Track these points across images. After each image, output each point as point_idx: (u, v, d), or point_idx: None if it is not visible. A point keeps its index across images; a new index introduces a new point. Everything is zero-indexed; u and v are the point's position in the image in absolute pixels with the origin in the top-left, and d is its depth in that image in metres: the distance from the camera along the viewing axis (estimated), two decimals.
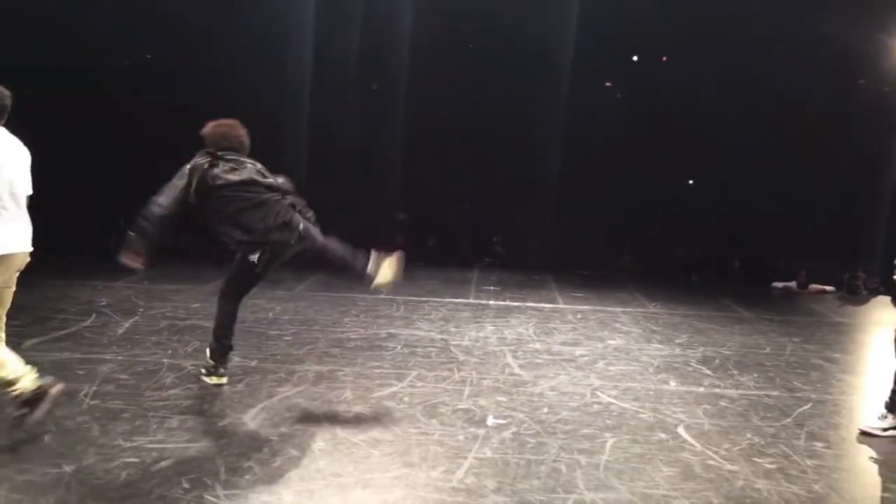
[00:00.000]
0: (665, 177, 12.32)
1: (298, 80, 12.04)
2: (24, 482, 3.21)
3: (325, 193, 12.75)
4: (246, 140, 4.78)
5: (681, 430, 4.29)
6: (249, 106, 11.27)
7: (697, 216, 12.30)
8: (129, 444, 3.69)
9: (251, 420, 4.12)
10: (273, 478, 3.39)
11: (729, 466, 3.78)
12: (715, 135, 11.93)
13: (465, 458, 3.71)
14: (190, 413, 4.20)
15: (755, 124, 11.70)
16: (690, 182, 13.34)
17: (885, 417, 4.43)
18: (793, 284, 11.29)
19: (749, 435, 4.28)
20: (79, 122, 11.08)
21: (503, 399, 4.74)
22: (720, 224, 12.13)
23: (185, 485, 3.26)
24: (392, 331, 6.67)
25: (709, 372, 5.68)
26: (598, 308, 8.40)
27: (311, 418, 4.20)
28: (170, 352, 5.51)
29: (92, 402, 4.30)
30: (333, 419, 4.20)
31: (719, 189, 12.29)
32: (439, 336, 6.53)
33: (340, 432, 3.99)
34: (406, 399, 4.64)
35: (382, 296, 8.57)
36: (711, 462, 3.83)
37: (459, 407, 4.53)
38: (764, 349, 6.67)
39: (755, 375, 5.66)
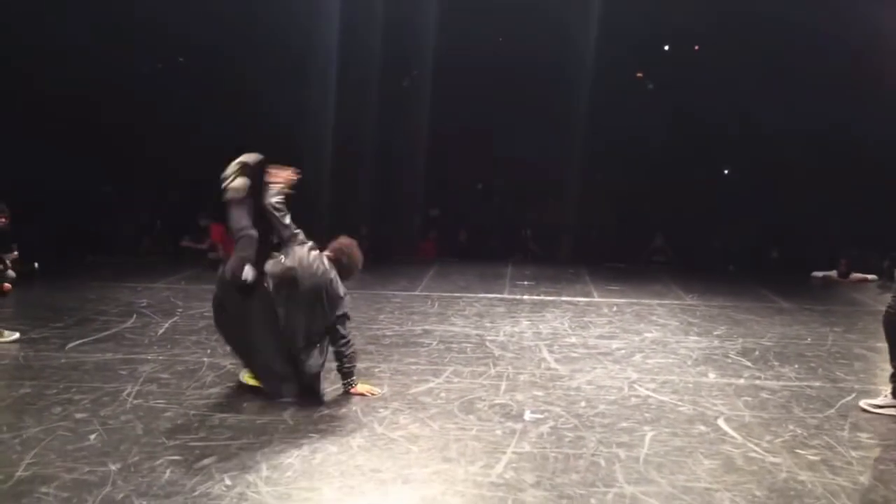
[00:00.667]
0: (701, 167, 12.19)
1: (322, 81, 12.10)
2: (71, 480, 3.29)
3: (353, 194, 12.89)
4: None
5: (721, 423, 4.23)
6: (274, 106, 11.49)
7: (734, 206, 12.15)
8: (172, 443, 3.75)
9: (290, 418, 4.16)
10: (313, 474, 3.43)
11: (771, 458, 3.72)
12: (751, 124, 11.77)
13: (504, 452, 3.71)
14: (231, 411, 4.25)
15: (792, 112, 11.50)
16: (726, 172, 13.18)
17: (887, 397, 4.50)
18: (833, 273, 11.06)
19: (791, 426, 4.21)
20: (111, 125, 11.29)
21: (540, 393, 4.72)
22: (758, 213, 11.97)
23: (228, 482, 3.31)
24: (427, 327, 6.69)
25: (749, 363, 5.60)
26: (634, 301, 8.33)
27: (350, 415, 4.23)
28: (209, 351, 5.59)
29: (135, 402, 4.38)
30: (371, 415, 4.22)
31: (756, 178, 12.13)
32: (474, 332, 6.53)
33: (378, 428, 4.02)
34: (443, 395, 4.65)
35: (417, 292, 8.61)
36: (753, 454, 3.77)
37: (496, 402, 4.52)
38: (805, 339, 6.56)
39: (796, 366, 5.57)
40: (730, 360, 5.72)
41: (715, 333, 6.69)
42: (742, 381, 5.12)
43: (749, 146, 12.03)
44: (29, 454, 3.56)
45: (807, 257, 11.59)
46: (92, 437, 3.81)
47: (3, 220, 7.90)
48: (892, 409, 4.48)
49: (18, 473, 3.34)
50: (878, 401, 4.56)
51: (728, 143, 12.12)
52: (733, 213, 12.25)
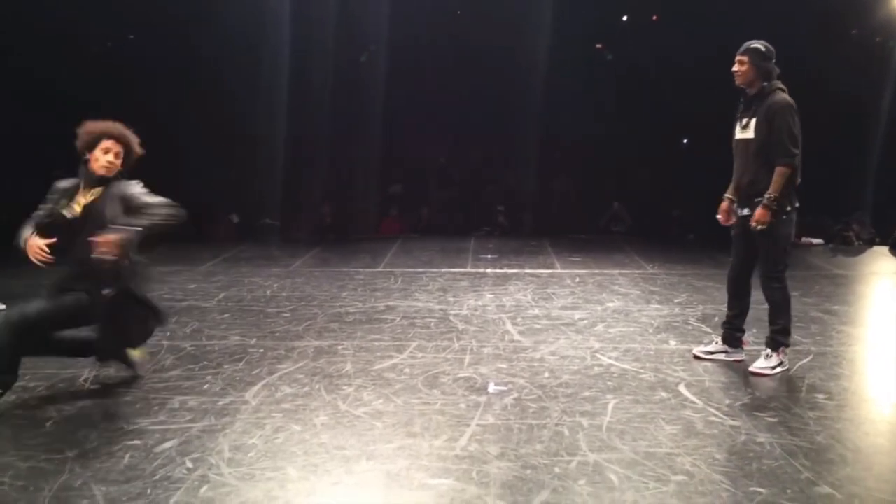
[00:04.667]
0: (659, 137, 12.26)
1: (275, 58, 11.88)
2: (27, 469, 3.21)
3: (313, 172, 12.75)
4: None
5: (682, 389, 4.29)
6: (222, 90, 11.26)
7: (693, 175, 12.26)
8: (131, 427, 3.69)
9: (253, 398, 4.12)
10: (277, 453, 3.39)
11: (731, 422, 3.78)
12: (705, 92, 11.83)
13: (468, 425, 3.72)
14: (191, 393, 4.19)
15: None
16: (685, 141, 13.28)
17: (770, 356, 4.65)
18: None
19: (750, 390, 4.29)
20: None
21: (504, 366, 4.74)
22: (715, 181, 12.09)
23: (189, 464, 3.26)
24: (390, 303, 6.66)
25: (709, 330, 5.68)
26: (596, 271, 8.39)
27: (313, 393, 4.20)
28: (168, 333, 5.49)
29: (92, 387, 4.29)
30: (335, 393, 4.19)
31: (712, 147, 12.23)
32: (438, 306, 6.52)
33: (342, 406, 3.99)
34: (407, 370, 4.64)
35: (380, 269, 8.56)
36: (713, 418, 3.83)
37: (460, 376, 4.52)
38: (763, 305, 6.64)
39: (755, 331, 5.64)
40: (690, 327, 5.80)
41: (676, 301, 6.78)
42: (702, 347, 5.19)
43: (707, 114, 12.12)
44: None
45: None
46: (48, 424, 3.73)
47: None
48: (722, 355, 4.85)
49: None
50: (710, 347, 4.95)
51: (686, 111, 12.19)
52: (692, 182, 12.37)
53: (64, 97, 9.35)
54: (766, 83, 4.55)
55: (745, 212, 4.65)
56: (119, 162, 4.17)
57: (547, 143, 12.89)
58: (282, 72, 11.89)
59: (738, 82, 4.64)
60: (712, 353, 4.89)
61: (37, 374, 4.51)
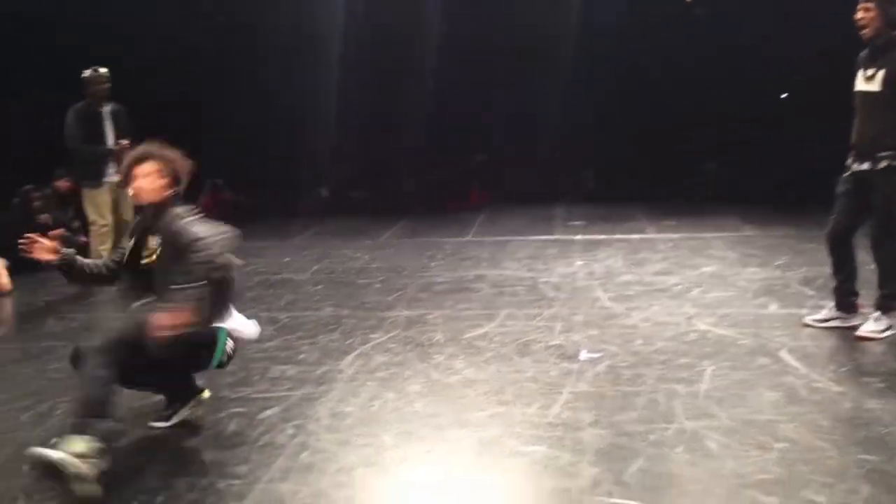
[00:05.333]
0: (756, 92, 11.70)
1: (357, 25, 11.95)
2: (142, 435, 3.41)
3: (397, 147, 12.83)
4: None
5: (783, 354, 4.14)
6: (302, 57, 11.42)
7: (793, 131, 11.67)
8: (234, 396, 3.85)
9: (348, 367, 4.23)
10: (372, 421, 3.48)
11: (836, 388, 3.63)
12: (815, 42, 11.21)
13: (560, 393, 3.70)
14: (289, 363, 4.34)
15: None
16: (784, 96, 12.63)
17: (879, 319, 4.37)
18: None
19: (856, 355, 4.10)
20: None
21: (595, 333, 4.69)
22: (821, 138, 11.46)
23: (290, 431, 3.39)
24: (479, 272, 6.68)
25: (812, 293, 5.44)
26: (690, 235, 8.15)
27: (405, 362, 4.27)
28: (265, 306, 5.69)
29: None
30: (427, 362, 4.25)
31: (818, 101, 11.58)
32: (527, 274, 6.50)
33: (434, 374, 4.05)
34: (497, 338, 4.65)
35: (468, 238, 8.59)
36: (817, 385, 3.69)
37: (551, 343, 4.51)
38: (869, 265, 6.32)
39: (862, 293, 5.37)
40: (792, 291, 5.57)
41: (776, 264, 6.52)
42: (805, 311, 4.96)
43: (811, 65, 11.48)
44: None
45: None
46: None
47: (66, 183, 8.13)
48: (837, 321, 4.53)
49: None
50: (822, 314, 4.62)
51: (787, 64, 11.58)
52: (792, 139, 11.78)
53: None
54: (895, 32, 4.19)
55: (865, 166, 4.34)
56: (163, 183, 3.43)
57: (636, 103, 12.53)
58: (365, 48, 11.99)
59: (863, 33, 4.26)
60: (825, 320, 4.58)
61: None
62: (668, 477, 2.83)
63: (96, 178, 6.91)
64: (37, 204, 7.91)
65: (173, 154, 3.52)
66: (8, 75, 9.00)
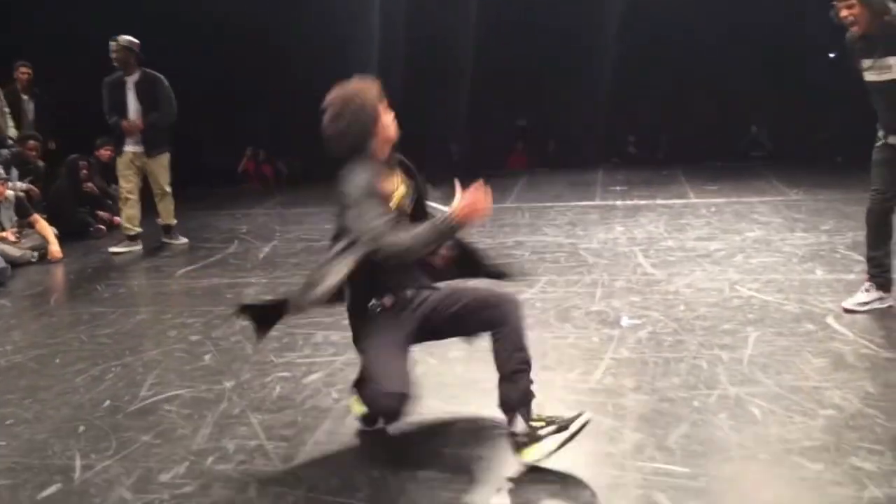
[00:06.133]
0: (800, 50, 11.37)
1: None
2: (191, 398, 3.50)
3: (441, 107, 12.76)
4: None
5: (830, 320, 4.07)
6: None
7: (840, 91, 11.33)
8: (280, 360, 3.93)
9: None
10: (416, 385, 3.51)
11: (885, 354, 3.57)
12: None
13: (602, 359, 3.70)
14: (332, 329, 4.39)
15: None
16: (831, 55, 12.24)
17: (868, 291, 4.19)
18: None
19: None
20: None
21: (637, 299, 4.66)
22: (864, 97, 11.11)
23: (335, 395, 3.45)
24: (519, 238, 6.66)
25: (859, 258, 5.30)
26: (734, 200, 8.02)
27: None
28: (308, 272, 5.74)
29: (243, 323, 4.58)
30: None
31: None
32: (567, 240, 6.46)
33: (475, 339, 4.05)
34: (538, 304, 4.65)
35: (507, 204, 8.56)
36: (865, 351, 3.63)
37: (592, 309, 4.49)
38: None
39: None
40: (839, 256, 5.46)
41: (822, 228, 6.38)
42: (852, 276, 4.88)
43: None
44: (151, 375, 3.80)
45: None
46: (206, 357, 4.03)
47: (107, 151, 8.27)
48: (878, 303, 4.19)
49: (143, 393, 3.58)
50: (861, 297, 4.23)
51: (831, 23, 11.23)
52: (841, 100, 11.43)
53: None
54: (886, 17, 3.88)
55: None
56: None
57: (680, 68, 12.27)
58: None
59: (853, 30, 4.02)
60: (866, 303, 4.22)
61: (193, 311, 4.88)
62: (712, 442, 2.82)
63: (118, 147, 7.13)
64: (84, 173, 8.08)
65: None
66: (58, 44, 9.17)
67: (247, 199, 10.08)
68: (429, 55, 12.19)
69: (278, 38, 11.69)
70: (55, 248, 6.84)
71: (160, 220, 7.28)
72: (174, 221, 7.29)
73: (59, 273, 6.51)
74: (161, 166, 7.07)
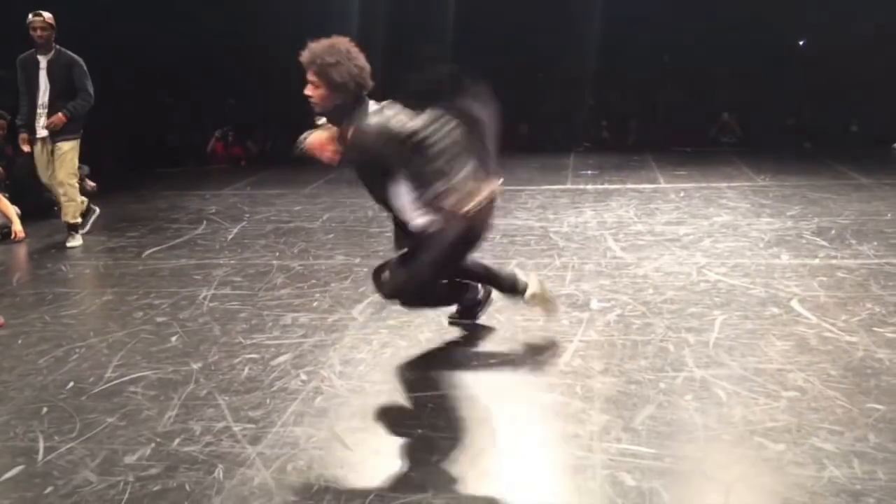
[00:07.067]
0: (769, 38, 11.47)
1: None
2: (157, 379, 3.46)
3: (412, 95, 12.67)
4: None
5: (795, 304, 4.14)
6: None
7: (808, 79, 11.47)
8: (248, 342, 3.89)
9: (359, 314, 4.26)
10: (385, 367, 3.52)
11: (847, 338, 3.63)
12: None
13: (571, 341, 3.73)
14: (302, 310, 4.37)
15: None
16: (801, 43, 12.40)
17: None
18: None
19: (869, 305, 4.09)
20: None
21: (606, 282, 4.69)
22: (833, 85, 11.26)
23: (303, 377, 3.43)
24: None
25: (824, 243, 5.42)
26: (703, 185, 8.09)
27: (417, 311, 4.29)
28: (277, 254, 5.71)
29: (211, 305, 4.54)
30: (437, 309, 4.26)
31: (829, 46, 11.35)
32: (538, 224, 6.48)
33: (445, 322, 4.07)
34: None
35: None
36: (828, 334, 3.69)
37: (562, 292, 4.51)
38: (885, 216, 6.29)
39: (875, 244, 5.36)
40: (804, 241, 5.55)
41: (788, 214, 6.48)
42: (817, 261, 4.97)
43: (824, 14, 11.23)
44: (116, 357, 3.75)
45: (889, 129, 10.98)
46: (173, 338, 3.99)
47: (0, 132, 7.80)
48: None
49: (108, 374, 3.54)
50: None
51: (800, 11, 11.33)
52: (808, 88, 11.58)
53: None
54: None
55: None
56: (320, 94, 3.32)
57: (651, 52, 12.31)
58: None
59: None
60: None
61: (160, 292, 4.82)
62: (677, 423, 2.86)
63: (32, 134, 6.37)
64: None
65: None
66: None
67: (215, 179, 9.96)
68: (406, 39, 12.07)
69: (250, 19, 11.52)
70: (18, 227, 6.70)
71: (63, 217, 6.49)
72: (77, 220, 6.49)
73: (21, 252, 6.38)
74: (64, 155, 6.29)
